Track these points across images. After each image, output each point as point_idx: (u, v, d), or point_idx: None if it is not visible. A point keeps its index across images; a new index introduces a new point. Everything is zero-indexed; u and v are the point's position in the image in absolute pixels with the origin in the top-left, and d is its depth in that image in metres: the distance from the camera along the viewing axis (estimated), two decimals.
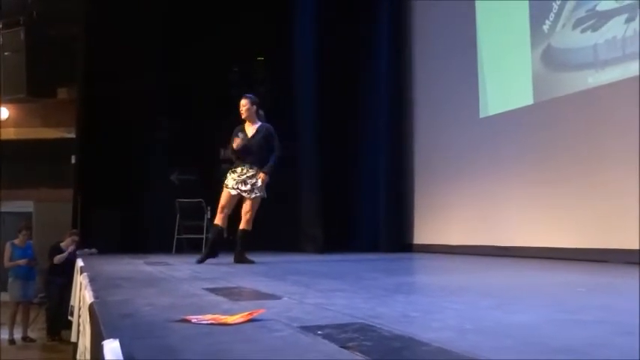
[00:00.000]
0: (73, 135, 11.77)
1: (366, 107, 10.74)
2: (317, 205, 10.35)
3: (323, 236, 10.06)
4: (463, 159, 9.03)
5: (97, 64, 10.75)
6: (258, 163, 6.88)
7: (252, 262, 6.84)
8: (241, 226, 6.87)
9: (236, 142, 6.89)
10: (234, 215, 6.98)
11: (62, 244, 11.20)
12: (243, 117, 7.05)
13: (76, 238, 10.83)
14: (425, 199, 9.90)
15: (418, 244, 9.83)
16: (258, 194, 6.84)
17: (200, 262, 6.77)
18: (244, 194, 6.84)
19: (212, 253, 6.90)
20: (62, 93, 14.54)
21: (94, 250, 10.02)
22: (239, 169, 6.89)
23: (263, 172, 6.84)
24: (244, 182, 6.84)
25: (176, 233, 10.30)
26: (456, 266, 6.92)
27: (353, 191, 10.82)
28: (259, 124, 7.05)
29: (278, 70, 11.32)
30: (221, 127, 8.59)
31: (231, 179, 6.88)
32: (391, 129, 10.27)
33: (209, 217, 10.09)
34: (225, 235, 7.03)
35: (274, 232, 10.87)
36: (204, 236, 10.02)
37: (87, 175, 10.82)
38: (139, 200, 10.95)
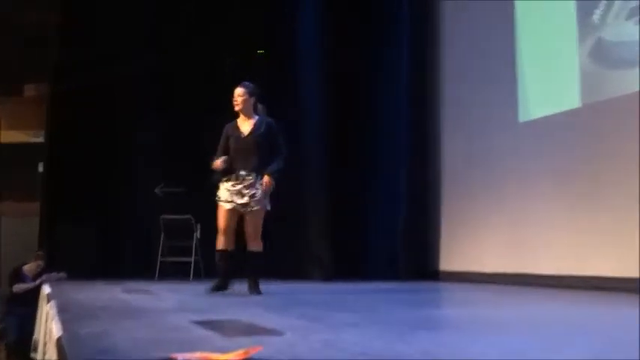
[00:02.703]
0: (41, 139, 11.82)
1: (382, 110, 10.76)
2: (324, 222, 10.36)
3: (331, 260, 10.06)
4: (499, 170, 9.02)
5: (72, 56, 10.81)
6: (257, 168, 6.48)
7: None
8: (249, 247, 6.58)
9: (217, 163, 6.48)
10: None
11: (25, 269, 11.17)
12: (237, 109, 6.68)
13: (41, 263, 10.80)
14: (453, 216, 9.88)
15: (445, 271, 9.81)
16: (258, 207, 6.48)
17: (210, 292, 6.49)
18: (241, 209, 6.51)
19: (223, 285, 6.56)
20: (30, 90, 14.60)
21: (62, 275, 10.01)
22: (233, 178, 6.51)
23: (267, 176, 6.44)
24: (240, 194, 6.47)
25: (160, 255, 10.30)
26: (489, 297, 6.90)
27: (367, 207, 10.78)
28: (257, 118, 6.70)
29: (280, 66, 11.38)
30: (214, 129, 8.63)
31: (224, 190, 6.51)
32: (413, 135, 10.28)
33: (199, 236, 10.10)
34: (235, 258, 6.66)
35: (273, 254, 10.84)
36: (192, 259, 10.02)
37: (56, 186, 10.86)
38: (117, 216, 10.97)
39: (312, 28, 10.79)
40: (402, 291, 7.87)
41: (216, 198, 6.59)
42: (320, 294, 7.30)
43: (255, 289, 6.56)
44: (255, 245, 6.58)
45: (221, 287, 6.55)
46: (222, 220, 6.52)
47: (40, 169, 11.73)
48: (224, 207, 6.52)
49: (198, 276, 10.05)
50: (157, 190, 11.25)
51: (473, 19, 9.66)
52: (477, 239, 9.29)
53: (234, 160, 6.55)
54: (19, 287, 10.88)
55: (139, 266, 10.38)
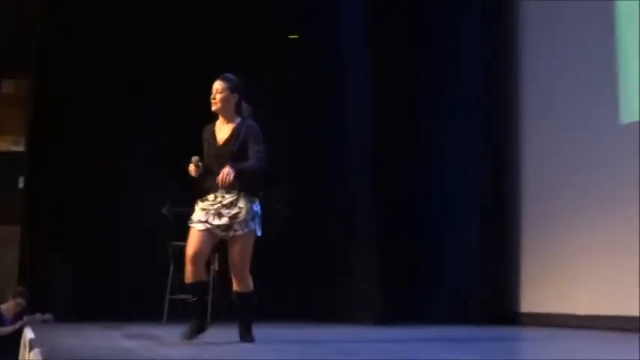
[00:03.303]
0: (21, 147, 11.88)
1: (445, 111, 10.73)
2: (374, 252, 10.27)
3: (383, 299, 9.98)
4: (594, 187, 8.93)
5: (59, 47, 10.88)
6: (238, 183, 6.19)
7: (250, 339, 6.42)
8: (235, 286, 6.38)
9: (191, 168, 6.33)
10: None
11: (2, 308, 11.21)
12: (213, 109, 6.47)
13: (21, 302, 10.80)
14: (537, 245, 9.79)
15: (527, 314, 9.73)
16: (244, 231, 6.22)
17: (187, 337, 6.39)
18: (221, 233, 6.27)
19: (200, 326, 6.43)
20: (8, 87, 14.71)
21: (48, 316, 10.05)
22: (211, 197, 6.28)
23: (229, 167, 6.12)
24: (218, 214, 6.23)
25: (168, 292, 10.25)
26: (587, 347, 6.80)
27: (428, 234, 10.72)
28: (238, 121, 6.45)
29: (317, 53, 11.35)
30: None
31: (198, 210, 6.31)
32: (485, 142, 10.25)
33: (217, 268, 10.05)
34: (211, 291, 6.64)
35: (309, 292, 10.81)
36: (209, 297, 9.95)
37: (40, 206, 10.89)
38: (115, 243, 10.98)
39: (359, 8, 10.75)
40: (474, 339, 7.79)
41: (189, 220, 6.36)
42: (368, 342, 7.25)
43: (246, 336, 6.38)
44: (242, 284, 6.34)
45: (198, 330, 6.42)
46: (190, 245, 6.27)
47: (21, 184, 11.78)
48: (195, 228, 6.27)
49: (217, 318, 9.99)
50: (164, 211, 11.21)
51: (558, 8, 9.66)
52: (567, 274, 9.19)
53: (211, 173, 6.33)
54: None
55: (142, 306, 10.35)
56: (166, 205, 11.19)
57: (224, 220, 6.20)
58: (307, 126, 11.31)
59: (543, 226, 9.72)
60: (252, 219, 6.25)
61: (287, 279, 10.93)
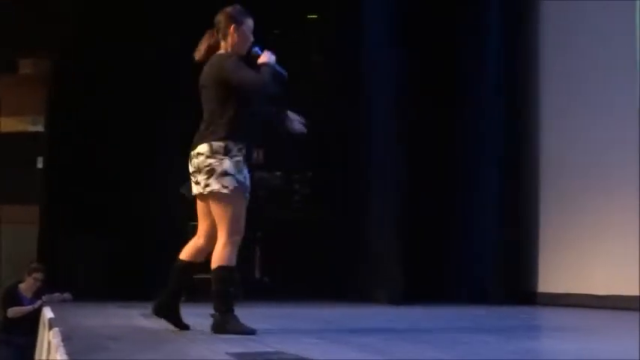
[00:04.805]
0: (40, 127, 11.93)
1: (467, 94, 10.73)
2: (395, 233, 10.31)
3: (404, 279, 10.00)
4: (615, 170, 8.91)
5: (80, 25, 10.86)
6: (205, 132, 5.61)
7: (248, 331, 5.36)
8: (213, 262, 5.62)
9: None
10: None
11: (22, 287, 11.24)
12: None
13: (39, 277, 10.82)
14: (556, 227, 9.80)
15: (545, 294, 9.74)
16: (214, 187, 5.46)
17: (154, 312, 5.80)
18: (199, 191, 5.59)
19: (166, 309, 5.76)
20: (26, 66, 14.72)
21: (67, 295, 10.09)
22: (192, 151, 5.66)
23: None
24: (196, 172, 5.58)
25: None
26: (604, 326, 6.86)
27: (448, 214, 10.74)
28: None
29: (339, 35, 11.34)
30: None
31: (190, 178, 5.71)
32: (505, 126, 10.25)
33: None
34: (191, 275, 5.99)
35: (329, 272, 10.84)
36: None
37: (59, 186, 10.94)
38: (135, 223, 11.02)
39: None
40: (492, 317, 7.83)
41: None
42: (388, 320, 7.28)
43: (228, 325, 5.39)
44: (221, 259, 5.60)
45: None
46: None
47: (39, 164, 11.82)
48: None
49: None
50: (183, 190, 11.22)
51: None
52: (585, 254, 9.20)
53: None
54: (14, 311, 10.93)
55: (161, 285, 10.39)
56: (185, 184, 11.22)
57: (200, 177, 5.56)
58: (326, 108, 11.27)
59: (562, 209, 9.73)
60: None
61: (308, 259, 10.96)
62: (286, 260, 11.35)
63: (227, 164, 5.42)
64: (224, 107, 5.60)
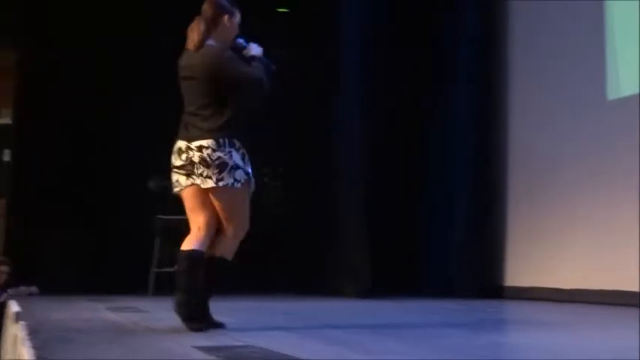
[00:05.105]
0: (7, 120, 11.84)
1: (436, 85, 10.78)
2: (360, 225, 10.31)
3: (371, 273, 10.02)
4: (581, 161, 8.96)
5: (47, 11, 10.76)
6: (206, 125, 5.46)
7: (217, 324, 5.36)
8: (218, 251, 5.53)
9: None
10: None
11: None
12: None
13: (5, 269, 10.80)
14: (522, 220, 9.83)
15: (511, 287, 9.77)
16: (227, 181, 5.35)
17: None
18: (201, 184, 5.41)
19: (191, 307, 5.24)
20: None
21: (34, 289, 10.05)
22: (181, 144, 5.53)
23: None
24: (201, 165, 5.38)
25: (155, 265, 10.31)
26: (569, 320, 6.87)
27: (416, 208, 10.80)
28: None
29: (310, 29, 11.34)
30: None
31: (175, 171, 5.55)
32: (473, 118, 10.25)
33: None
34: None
35: (296, 265, 10.86)
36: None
37: (25, 179, 10.89)
38: (101, 216, 11.00)
39: None
40: (460, 311, 7.86)
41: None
42: (355, 314, 7.30)
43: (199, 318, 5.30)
44: (225, 250, 5.57)
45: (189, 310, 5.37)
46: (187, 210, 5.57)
47: (6, 157, 11.75)
48: (183, 193, 5.56)
49: None
50: (150, 184, 11.23)
51: None
52: (553, 248, 9.22)
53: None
54: None
55: (128, 279, 10.39)
56: (153, 179, 11.21)
57: (201, 170, 5.39)
58: (297, 102, 11.30)
59: (530, 200, 9.75)
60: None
61: (275, 252, 10.96)
62: (254, 254, 11.37)
63: (236, 157, 5.36)
64: (223, 101, 5.47)
